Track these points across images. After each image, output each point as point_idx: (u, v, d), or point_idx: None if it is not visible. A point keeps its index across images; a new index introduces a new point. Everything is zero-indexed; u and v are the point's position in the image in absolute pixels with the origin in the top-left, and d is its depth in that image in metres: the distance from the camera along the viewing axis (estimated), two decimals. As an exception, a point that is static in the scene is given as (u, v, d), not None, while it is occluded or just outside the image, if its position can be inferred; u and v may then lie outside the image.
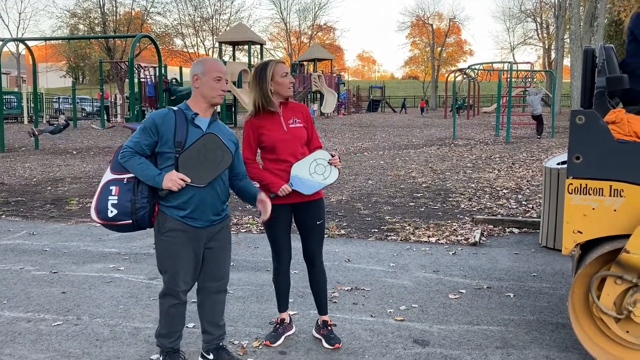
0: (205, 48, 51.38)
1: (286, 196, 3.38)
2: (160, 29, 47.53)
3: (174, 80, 26.41)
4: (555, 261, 5.32)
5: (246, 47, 31.11)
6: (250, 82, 3.45)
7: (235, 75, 25.32)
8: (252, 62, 29.36)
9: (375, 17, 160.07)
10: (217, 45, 47.79)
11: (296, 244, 4.27)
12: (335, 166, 3.41)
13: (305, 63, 40.08)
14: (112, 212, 2.79)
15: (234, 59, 31.83)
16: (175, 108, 2.90)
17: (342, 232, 6.44)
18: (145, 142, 2.84)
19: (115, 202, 2.79)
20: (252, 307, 4.19)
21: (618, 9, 25.32)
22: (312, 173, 3.35)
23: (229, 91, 25.64)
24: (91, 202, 2.89)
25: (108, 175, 2.87)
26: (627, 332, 3.16)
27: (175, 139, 2.83)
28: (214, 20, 50.37)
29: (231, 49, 31.97)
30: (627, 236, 3.02)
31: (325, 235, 6.04)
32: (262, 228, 6.51)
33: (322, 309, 3.64)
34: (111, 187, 2.82)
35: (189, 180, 2.81)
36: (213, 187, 2.92)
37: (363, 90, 54.72)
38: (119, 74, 33.93)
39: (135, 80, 21.98)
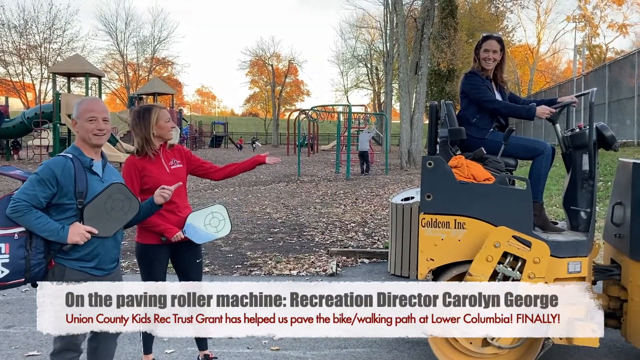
0: (32, 77, 47.62)
1: None
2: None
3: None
4: (404, 287, 5.95)
5: (82, 78, 29.59)
6: (132, 125, 3.54)
7: (71, 108, 23.97)
8: (90, 95, 27.99)
9: (215, 53, 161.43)
10: (46, 75, 44.70)
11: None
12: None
13: (144, 97, 38.97)
14: (2, 272, 2.56)
15: (69, 91, 30.00)
16: (70, 155, 2.79)
17: (207, 269, 6.53)
18: (43, 195, 2.66)
19: (7, 261, 2.57)
20: (127, 349, 4.16)
21: (437, 60, 28.57)
22: (206, 224, 3.54)
23: (64, 124, 24.15)
24: None
25: None
26: (471, 343, 3.75)
27: (76, 189, 2.71)
28: (42, 49, 46.94)
29: (66, 80, 30.14)
30: (470, 262, 3.63)
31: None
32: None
33: (202, 344, 3.79)
34: None
35: (96, 232, 2.74)
36: (114, 235, 2.89)
37: (205, 126, 54.52)
38: None
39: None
